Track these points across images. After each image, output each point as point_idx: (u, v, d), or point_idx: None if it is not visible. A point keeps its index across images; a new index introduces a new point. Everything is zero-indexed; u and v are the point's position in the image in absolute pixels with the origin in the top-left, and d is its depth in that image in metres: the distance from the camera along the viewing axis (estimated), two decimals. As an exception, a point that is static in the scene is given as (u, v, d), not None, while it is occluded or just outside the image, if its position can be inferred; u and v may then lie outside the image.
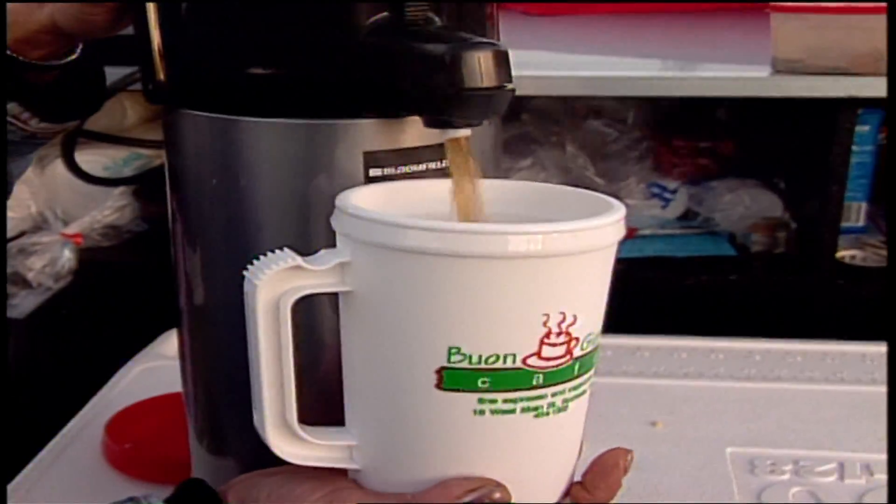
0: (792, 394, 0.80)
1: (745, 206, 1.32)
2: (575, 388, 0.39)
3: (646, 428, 0.74)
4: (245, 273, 0.38)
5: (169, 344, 0.82)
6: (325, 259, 0.38)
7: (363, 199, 0.39)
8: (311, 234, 0.43)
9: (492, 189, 0.43)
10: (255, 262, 0.38)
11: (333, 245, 0.39)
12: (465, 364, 0.37)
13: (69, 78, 0.52)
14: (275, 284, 0.37)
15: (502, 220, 0.43)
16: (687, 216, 1.40)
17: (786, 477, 0.67)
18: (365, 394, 0.40)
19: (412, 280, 0.36)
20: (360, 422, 0.41)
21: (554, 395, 0.38)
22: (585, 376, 0.40)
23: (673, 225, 1.39)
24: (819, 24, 1.06)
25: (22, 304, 1.17)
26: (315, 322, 0.44)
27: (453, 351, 0.36)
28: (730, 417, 0.75)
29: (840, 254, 1.24)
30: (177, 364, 0.53)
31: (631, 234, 1.32)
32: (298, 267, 0.38)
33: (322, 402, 0.42)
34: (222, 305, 0.47)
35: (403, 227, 0.36)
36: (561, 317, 0.37)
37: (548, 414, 0.38)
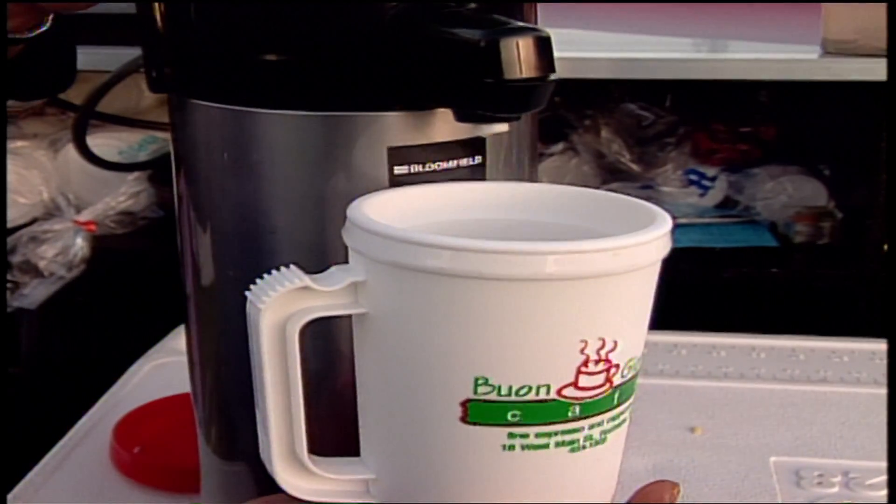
0: (839, 397, 0.76)
1: (787, 195, 1.31)
2: (614, 418, 0.36)
3: (684, 434, 0.71)
4: (247, 294, 0.35)
5: (183, 338, 0.79)
6: (337, 278, 0.35)
7: (379, 208, 0.36)
8: (329, 238, 0.40)
9: (523, 194, 0.40)
10: (258, 281, 0.35)
11: None
12: (493, 396, 0.34)
13: (37, 53, 0.49)
14: (280, 307, 0.34)
15: (534, 229, 0.40)
16: (726, 204, 1.38)
17: (835, 490, 0.64)
18: (382, 424, 0.37)
19: (434, 304, 0.33)
20: (377, 453, 0.38)
21: (591, 427, 0.35)
22: (625, 405, 0.37)
23: (711, 214, 1.37)
24: (873, 3, 1.02)
25: (33, 293, 1.16)
26: (328, 337, 0.41)
27: (480, 381, 0.33)
28: (773, 423, 0.73)
29: (888, 245, 1.20)
30: (190, 361, 0.50)
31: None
32: (306, 288, 0.34)
33: (335, 427, 0.39)
34: (232, 303, 0.43)
35: (423, 245, 0.33)
36: (600, 343, 0.34)
37: (584, 447, 0.36)
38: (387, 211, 0.37)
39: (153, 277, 0.93)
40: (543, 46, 0.36)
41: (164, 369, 0.79)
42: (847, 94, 1.17)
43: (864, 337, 0.86)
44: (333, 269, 0.35)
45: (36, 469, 0.65)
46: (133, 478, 0.64)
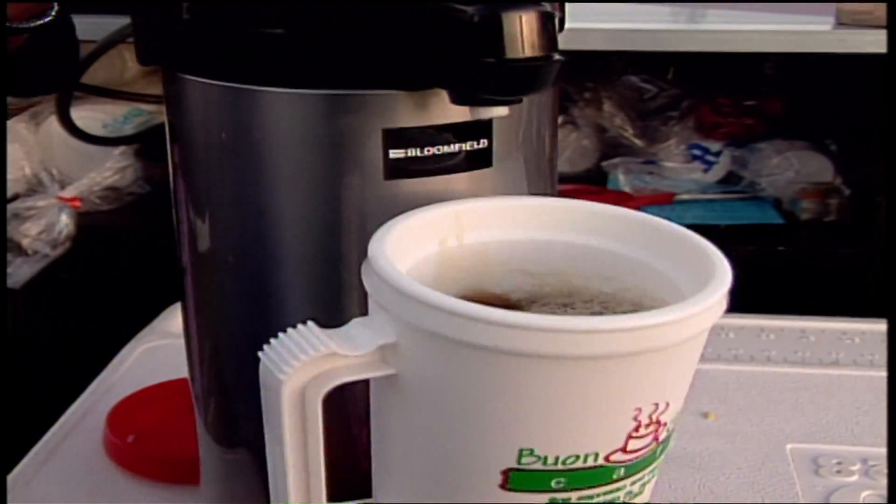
0: (853, 381, 0.75)
1: (793, 170, 1.29)
2: (654, 469, 0.35)
3: (697, 419, 0.69)
4: (262, 357, 0.32)
5: (176, 319, 0.77)
6: (364, 340, 0.32)
7: (409, 233, 0.34)
8: (325, 222, 0.38)
9: (563, 213, 0.38)
10: (272, 342, 0.32)
11: (357, 248, 0.34)
12: (537, 465, 0.32)
13: (40, 44, 0.46)
14: (302, 374, 0.32)
15: (587, 254, 0.37)
16: (730, 180, 1.37)
17: (854, 478, 0.62)
18: (408, 485, 0.35)
19: (477, 378, 0.31)
20: None
21: (633, 483, 0.34)
22: (664, 454, 0.35)
23: (715, 190, 1.35)
24: (890, -27, 0.99)
25: (17, 273, 1.14)
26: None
27: (525, 453, 0.31)
28: (787, 408, 0.71)
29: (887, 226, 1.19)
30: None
31: (669, 199, 1.29)
32: (333, 354, 0.31)
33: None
34: (230, 281, 0.43)
35: (465, 318, 0.29)
36: (653, 407, 0.32)
37: (624, 503, 0.34)
38: (418, 234, 0.34)
39: (141, 255, 0.91)
40: (547, 22, 0.33)
41: (155, 352, 0.77)
42: (859, 67, 1.15)
43: (874, 317, 0.84)
44: (356, 324, 0.32)
45: (25, 460, 0.62)
46: (128, 468, 0.62)
